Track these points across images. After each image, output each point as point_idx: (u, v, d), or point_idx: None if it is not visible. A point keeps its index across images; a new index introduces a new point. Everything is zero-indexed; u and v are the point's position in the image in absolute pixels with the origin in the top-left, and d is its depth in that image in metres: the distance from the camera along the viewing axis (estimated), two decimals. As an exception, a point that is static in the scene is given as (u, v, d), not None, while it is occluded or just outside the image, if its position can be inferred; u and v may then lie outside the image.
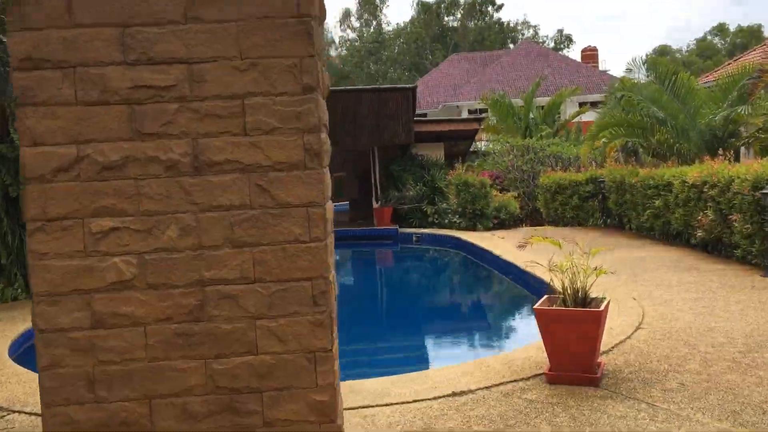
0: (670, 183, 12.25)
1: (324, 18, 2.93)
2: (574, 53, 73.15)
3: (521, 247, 5.95)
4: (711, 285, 8.64)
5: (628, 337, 6.37)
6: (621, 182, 14.97)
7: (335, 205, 19.87)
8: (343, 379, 7.20)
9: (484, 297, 12.61)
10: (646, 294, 8.30)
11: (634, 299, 8.03)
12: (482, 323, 10.04)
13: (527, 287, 10.26)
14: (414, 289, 13.13)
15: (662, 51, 75.05)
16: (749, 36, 72.99)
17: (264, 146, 2.71)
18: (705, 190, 10.81)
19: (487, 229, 17.79)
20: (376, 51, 70.81)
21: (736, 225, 9.73)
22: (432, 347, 8.75)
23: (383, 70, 69.38)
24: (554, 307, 5.27)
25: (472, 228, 17.92)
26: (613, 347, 6.07)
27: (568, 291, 5.31)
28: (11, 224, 10.70)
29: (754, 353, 5.69)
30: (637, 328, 6.68)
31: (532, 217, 20.76)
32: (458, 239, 16.39)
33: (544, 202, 18.42)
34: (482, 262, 14.00)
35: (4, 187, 10.47)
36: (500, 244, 14.60)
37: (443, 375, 5.54)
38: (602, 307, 5.16)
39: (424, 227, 19.15)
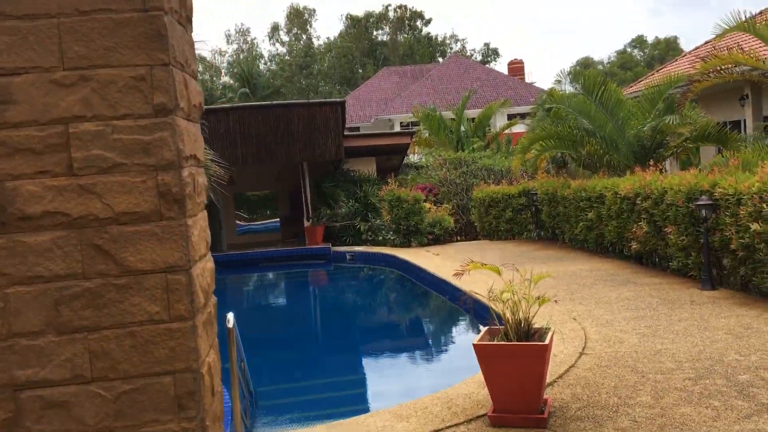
0: (603, 195, 12.11)
1: (190, 15, 2.28)
2: (501, 66, 74.48)
3: (458, 275, 5.46)
4: (651, 301, 8.40)
5: (573, 366, 5.98)
6: (553, 194, 14.84)
7: (265, 223, 18.94)
8: (271, 425, 6.62)
9: (420, 321, 12.11)
10: (586, 313, 7.98)
11: (575, 320, 7.70)
12: (419, 352, 9.47)
13: (465, 307, 9.85)
14: (347, 314, 12.54)
15: (585, 63, 77.15)
16: (666, 48, 75.94)
17: (100, 191, 1.95)
18: (638, 201, 10.67)
19: (422, 245, 17.40)
20: (307, 65, 70.31)
21: (671, 237, 9.58)
22: (367, 381, 8.14)
23: (314, 84, 68.92)
24: (495, 342, 4.81)
25: (407, 244, 17.50)
26: (558, 378, 5.65)
27: (510, 323, 4.86)
28: None
29: (705, 380, 5.36)
30: (582, 354, 6.31)
31: (466, 231, 20.52)
32: (393, 257, 15.93)
33: (478, 216, 18.18)
34: (417, 280, 13.56)
35: None
36: (435, 261, 14.21)
37: (379, 421, 4.99)
38: (547, 340, 4.72)
39: (358, 245, 18.63)
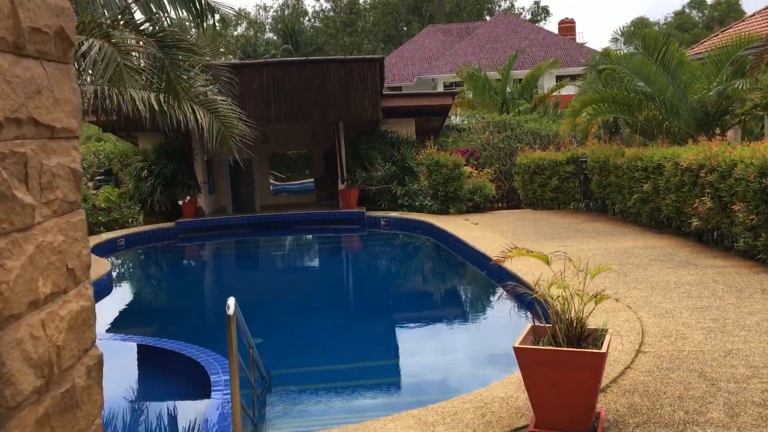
0: (661, 165, 11.07)
1: None
2: (551, 26, 71.91)
3: (499, 261, 4.65)
4: (716, 288, 7.46)
5: (629, 367, 5.15)
6: (605, 163, 13.79)
7: (303, 183, 18.24)
8: (283, 417, 5.99)
9: (454, 299, 11.15)
10: (642, 301, 7.10)
11: (629, 308, 6.83)
12: (451, 335, 8.60)
13: (505, 285, 9.04)
14: (375, 286, 11.80)
15: (640, 24, 73.85)
16: (727, 9, 72.09)
17: None
18: (702, 174, 9.63)
19: (461, 212, 16.55)
20: (351, 22, 68.92)
21: (739, 215, 8.57)
22: (392, 374, 7.31)
23: (358, 42, 67.55)
24: (541, 347, 4.01)
25: (445, 211, 16.67)
26: (611, 382, 4.85)
27: (559, 324, 4.06)
28: None
29: (789, 394, 4.50)
30: (639, 352, 5.47)
31: (509, 198, 19.57)
32: (429, 225, 15.13)
33: (522, 183, 17.20)
34: (454, 251, 12.76)
35: None
36: (474, 231, 13.37)
37: (401, 428, 4.28)
38: (604, 347, 3.91)
39: (394, 210, 17.87)
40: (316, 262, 14.80)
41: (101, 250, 14.69)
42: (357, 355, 7.51)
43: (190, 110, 10.07)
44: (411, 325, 9.11)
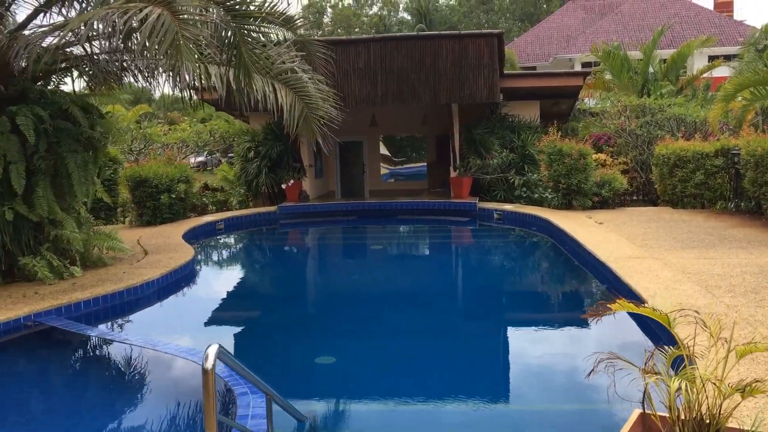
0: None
1: None
2: (706, 1, 65.70)
3: (592, 317, 3.17)
4: None
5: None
6: (762, 156, 11.48)
7: (419, 167, 16.84)
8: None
9: (564, 319, 8.79)
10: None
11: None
12: (557, 374, 6.68)
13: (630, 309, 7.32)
14: (476, 291, 10.31)
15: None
16: None
17: None
18: None
19: (585, 208, 14.66)
20: (487, 0, 66.61)
21: None
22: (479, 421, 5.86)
23: (494, 20, 65.20)
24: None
25: (567, 206, 14.84)
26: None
27: (682, 419, 2.55)
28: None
29: None
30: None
31: (645, 192, 17.35)
32: (546, 222, 13.41)
33: (660, 176, 15.00)
34: (573, 255, 11.04)
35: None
36: (597, 233, 11.55)
37: None
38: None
39: (510, 201, 16.24)
40: (416, 258, 13.48)
41: (198, 233, 14.27)
42: (441, 376, 6.16)
43: (271, 88, 9.09)
44: (508, 344, 7.61)
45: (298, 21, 10.49)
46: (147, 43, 6.87)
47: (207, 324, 8.62)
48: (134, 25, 7.27)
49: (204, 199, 16.88)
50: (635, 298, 7.49)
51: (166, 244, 11.94)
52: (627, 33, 39.37)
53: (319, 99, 9.28)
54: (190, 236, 13.72)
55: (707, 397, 2.71)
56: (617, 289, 8.35)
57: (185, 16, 7.07)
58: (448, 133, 17.06)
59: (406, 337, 7.75)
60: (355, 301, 9.71)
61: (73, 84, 9.68)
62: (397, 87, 15.28)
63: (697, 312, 3.12)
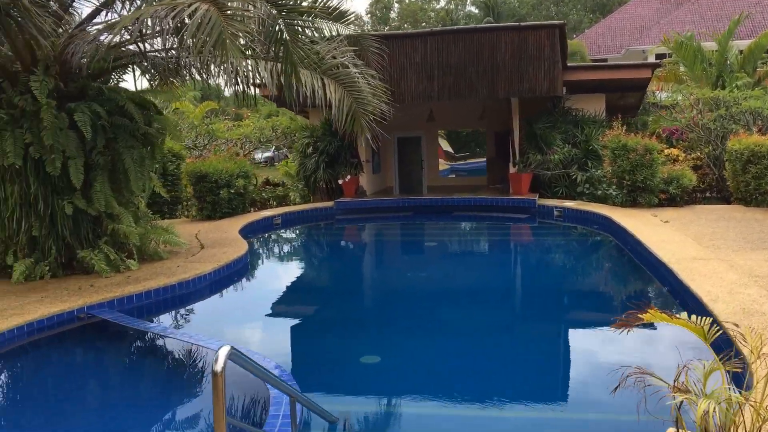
0: None
1: None
2: (793, -12, 62.31)
3: (622, 326, 2.94)
4: None
5: None
6: None
7: (472, 163, 16.52)
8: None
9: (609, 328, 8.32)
10: None
11: None
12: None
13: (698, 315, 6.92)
14: (530, 294, 9.97)
15: None
16: None
17: None
18: None
19: (651, 206, 14.05)
20: (558, -10, 65.24)
21: None
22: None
23: (564, 12, 63.73)
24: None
25: (632, 203, 14.27)
26: None
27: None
28: (43, 190, 9.16)
29: None
30: None
31: (718, 189, 16.51)
32: (608, 219, 12.92)
33: (732, 173, 14.24)
34: (635, 256, 10.58)
35: (25, 146, 8.89)
36: (662, 231, 11.03)
37: None
38: None
39: (572, 198, 15.75)
40: (471, 255, 13.19)
41: (256, 227, 14.43)
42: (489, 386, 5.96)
43: (320, 83, 9.04)
44: (559, 356, 7.31)
45: (350, 16, 10.42)
46: (194, 40, 6.92)
47: (254, 318, 8.66)
48: (186, 21, 7.33)
49: (264, 194, 17.06)
50: (695, 302, 7.09)
51: (223, 239, 12.10)
52: (704, 23, 37.70)
53: (369, 94, 9.17)
54: (248, 231, 13.88)
55: (744, 421, 2.45)
56: (678, 291, 7.93)
57: (230, 12, 7.08)
58: (507, 127, 16.68)
59: (458, 337, 7.57)
60: (406, 299, 9.59)
61: (135, 81, 9.85)
62: (454, 81, 15.01)
63: (736, 325, 2.84)
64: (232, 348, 3.26)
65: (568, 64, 16.40)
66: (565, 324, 8.18)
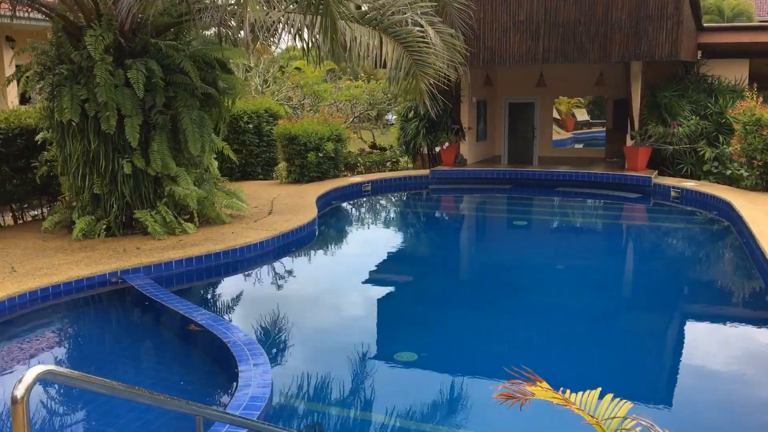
0: None
1: None
2: None
3: (503, 398, 2.00)
4: None
5: None
6: None
7: (592, 132, 15.06)
8: None
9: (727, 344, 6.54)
10: None
11: None
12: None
13: None
14: (621, 288, 8.65)
15: None
16: None
17: None
18: None
19: (789, 191, 11.98)
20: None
21: None
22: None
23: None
24: None
25: (765, 188, 12.24)
26: None
27: None
28: (104, 148, 9.09)
29: None
30: None
31: None
32: (727, 205, 11.12)
33: None
34: (747, 248, 8.95)
35: (81, 103, 8.80)
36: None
37: None
38: None
39: (698, 178, 13.84)
40: (567, 238, 11.78)
41: (342, 193, 13.89)
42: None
43: (377, 41, 8.19)
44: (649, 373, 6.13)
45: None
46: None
47: (284, 299, 8.11)
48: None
49: (359, 158, 16.50)
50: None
51: (296, 205, 11.67)
52: None
53: (430, 54, 8.20)
54: (331, 197, 13.38)
55: None
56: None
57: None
58: (626, 95, 14.87)
59: (545, 323, 6.94)
60: (489, 280, 9.00)
61: (220, 39, 9.60)
62: (561, 42, 13.44)
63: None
64: (49, 370, 2.40)
65: (705, 24, 14.27)
66: (646, 318, 6.95)
